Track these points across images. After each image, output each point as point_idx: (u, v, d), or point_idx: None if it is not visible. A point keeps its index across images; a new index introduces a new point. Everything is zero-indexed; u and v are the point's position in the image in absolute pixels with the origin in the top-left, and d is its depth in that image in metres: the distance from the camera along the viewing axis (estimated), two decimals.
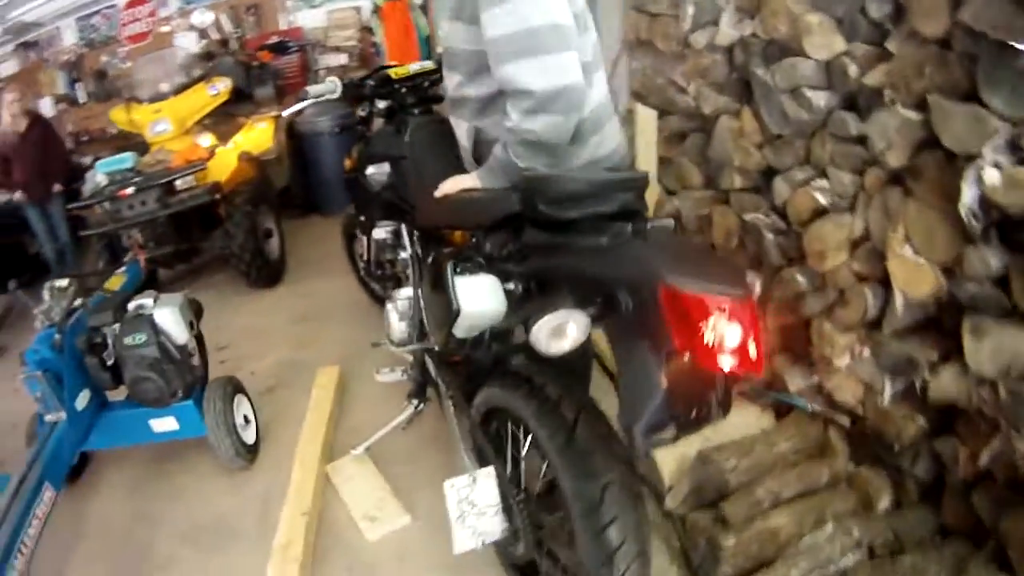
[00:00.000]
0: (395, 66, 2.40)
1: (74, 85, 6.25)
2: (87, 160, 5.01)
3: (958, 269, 1.49)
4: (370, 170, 2.35)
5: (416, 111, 2.27)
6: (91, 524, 2.45)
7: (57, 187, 4.58)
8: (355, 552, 2.11)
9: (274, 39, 5.56)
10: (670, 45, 2.47)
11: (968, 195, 1.37)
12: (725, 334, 1.09)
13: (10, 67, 6.36)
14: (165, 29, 5.84)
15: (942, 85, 1.47)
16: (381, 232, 2.35)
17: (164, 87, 4.26)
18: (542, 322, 1.26)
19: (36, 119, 4.74)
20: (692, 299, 1.10)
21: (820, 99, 1.82)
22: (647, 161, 2.70)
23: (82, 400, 2.35)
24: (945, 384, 1.59)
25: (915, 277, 1.60)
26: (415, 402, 2.33)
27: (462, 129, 1.74)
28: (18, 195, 4.54)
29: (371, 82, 2.31)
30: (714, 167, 2.37)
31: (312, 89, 2.22)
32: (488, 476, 1.55)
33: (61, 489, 2.14)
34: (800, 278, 1.98)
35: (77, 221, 4.28)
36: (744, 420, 2.07)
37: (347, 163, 2.85)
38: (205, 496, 2.47)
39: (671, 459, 1.98)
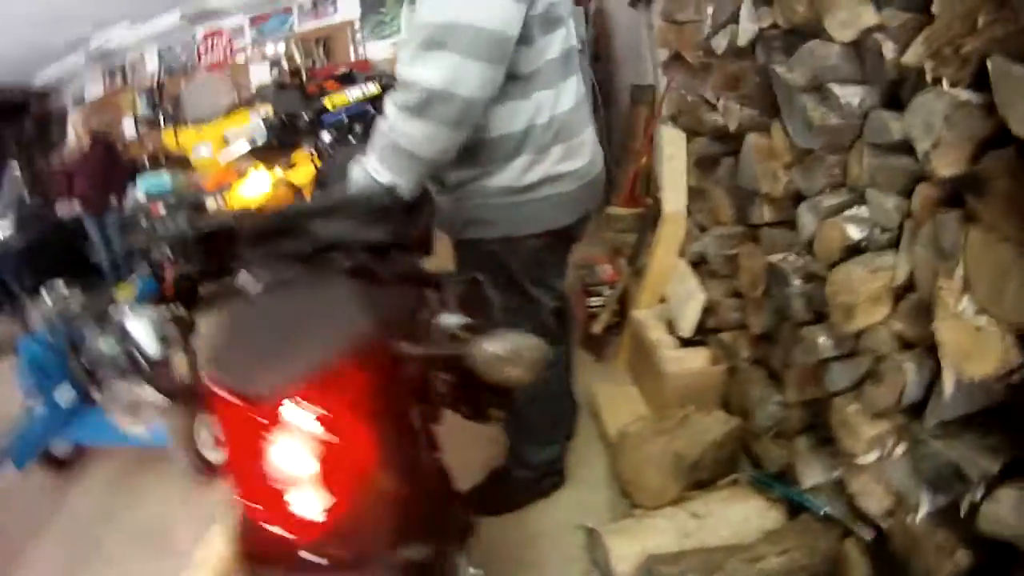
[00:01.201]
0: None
1: (155, 109, 6.63)
2: None
3: None
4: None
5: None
6: (61, 513, 2.47)
7: (114, 202, 4.88)
8: None
9: (342, 70, 5.61)
10: (696, 55, 2.07)
11: None
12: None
13: (96, 90, 6.93)
14: (240, 60, 6.07)
15: (1006, 40, 0.97)
16: None
17: (208, 112, 4.32)
18: None
19: (99, 139, 5.11)
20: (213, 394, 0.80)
21: (851, 96, 1.36)
22: (675, 191, 2.27)
23: (63, 394, 2.47)
24: (1004, 512, 1.04)
25: (975, 346, 1.07)
26: None
27: None
28: (77, 206, 4.88)
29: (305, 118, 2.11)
30: (744, 197, 1.90)
31: (229, 151, 2.08)
32: None
33: (23, 468, 2.36)
34: (822, 340, 1.46)
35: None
36: (744, 515, 1.56)
37: None
38: (165, 502, 2.41)
39: (629, 552, 1.50)
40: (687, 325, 2.11)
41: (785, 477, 1.65)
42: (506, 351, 0.90)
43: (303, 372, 0.76)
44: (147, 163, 5.90)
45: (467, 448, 2.21)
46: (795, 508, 1.58)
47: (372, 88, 2.22)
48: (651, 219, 2.58)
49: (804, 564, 1.40)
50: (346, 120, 2.13)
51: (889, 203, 1.31)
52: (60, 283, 2.65)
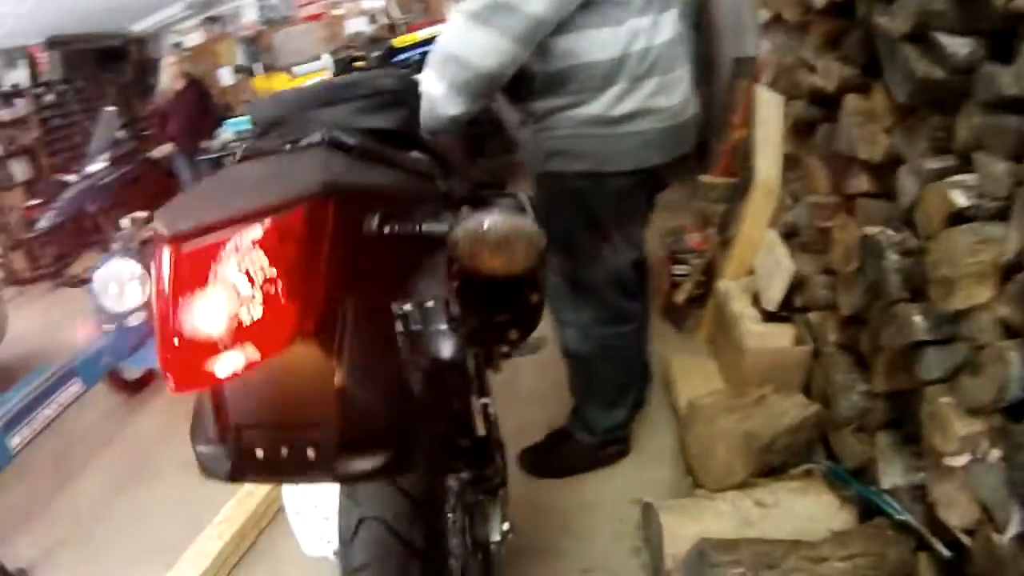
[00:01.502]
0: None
1: (252, 58, 6.85)
2: None
3: None
4: None
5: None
6: (124, 433, 2.73)
7: (204, 142, 5.13)
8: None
9: (439, 26, 5.60)
10: (796, 12, 1.90)
11: None
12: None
13: (195, 38, 7.21)
14: (338, 12, 6.14)
15: None
16: None
17: (298, 59, 4.42)
18: None
19: (192, 82, 5.35)
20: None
21: (958, 47, 1.19)
22: (769, 157, 2.13)
23: (135, 319, 2.58)
24: None
25: None
26: None
27: None
28: (170, 146, 5.15)
29: (373, 54, 2.07)
30: (841, 165, 1.75)
31: (299, 69, 2.04)
32: None
33: (92, 386, 2.47)
34: (917, 320, 1.32)
35: None
36: (813, 511, 1.45)
37: None
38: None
39: (685, 534, 1.43)
40: (773, 298, 1.97)
41: (862, 474, 1.53)
42: (487, 229, 0.79)
43: (233, 213, 0.66)
44: (237, 108, 6.18)
45: (530, 404, 2.23)
46: (868, 511, 1.46)
47: (441, 27, 2.18)
48: (743, 188, 2.43)
49: (869, 574, 1.27)
50: (416, 59, 2.08)
51: (999, 168, 1.15)
52: (144, 215, 2.78)
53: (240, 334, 0.63)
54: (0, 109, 6.39)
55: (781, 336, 1.89)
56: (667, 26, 1.44)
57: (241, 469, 0.73)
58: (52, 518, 2.33)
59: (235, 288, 0.63)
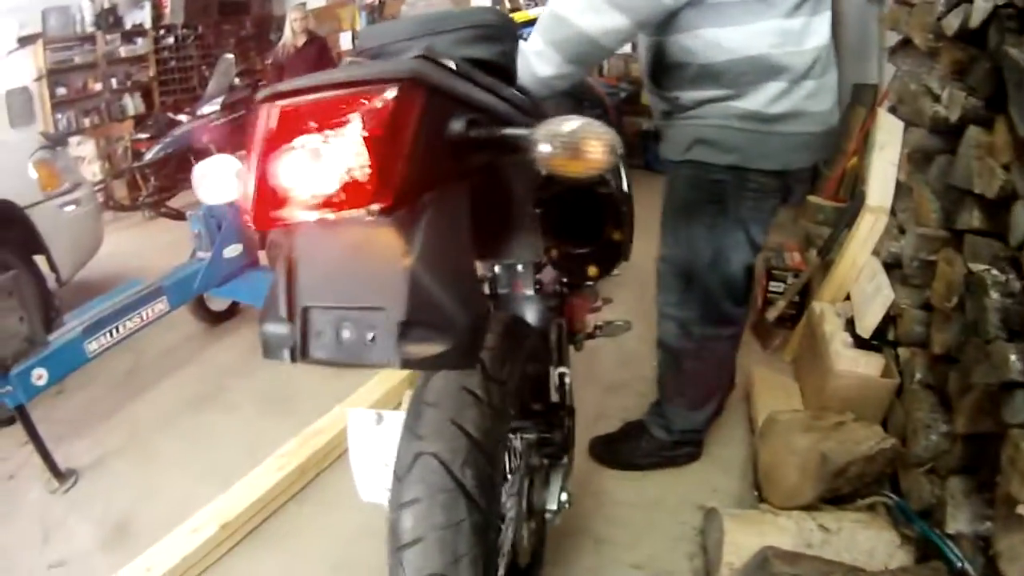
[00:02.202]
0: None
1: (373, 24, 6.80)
2: None
3: None
4: None
5: None
6: (201, 360, 2.85)
7: None
8: None
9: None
10: (926, 38, 1.86)
11: None
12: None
13: (318, 1, 7.28)
14: None
15: None
16: None
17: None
18: None
19: (314, 38, 5.40)
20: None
21: None
22: (882, 182, 2.10)
23: (231, 251, 2.73)
24: None
25: None
26: None
27: (643, 45, 1.62)
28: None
29: None
30: (953, 200, 1.71)
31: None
32: (397, 422, 1.16)
33: (176, 307, 2.59)
34: (1013, 359, 1.29)
35: None
36: (873, 544, 1.45)
37: None
38: (299, 374, 2.53)
39: (746, 544, 1.46)
40: (869, 325, 1.94)
41: (928, 516, 1.50)
42: (565, 130, 0.76)
43: (329, 82, 0.70)
44: None
45: (609, 392, 2.29)
46: (927, 554, 1.44)
47: None
48: (851, 214, 2.39)
49: None
50: (526, 36, 2.13)
51: None
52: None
53: (320, 188, 0.66)
54: (121, 45, 6.94)
55: (869, 364, 1.87)
56: (822, 29, 1.44)
57: (304, 349, 0.76)
58: (113, 427, 2.45)
59: (321, 146, 0.66)
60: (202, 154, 4.78)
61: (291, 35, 5.37)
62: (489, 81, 0.98)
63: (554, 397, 1.38)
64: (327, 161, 0.66)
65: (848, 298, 2.21)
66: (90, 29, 6.72)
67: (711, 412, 1.91)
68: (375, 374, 2.43)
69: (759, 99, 1.43)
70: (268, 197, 0.69)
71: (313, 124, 0.66)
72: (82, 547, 1.98)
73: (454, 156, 0.78)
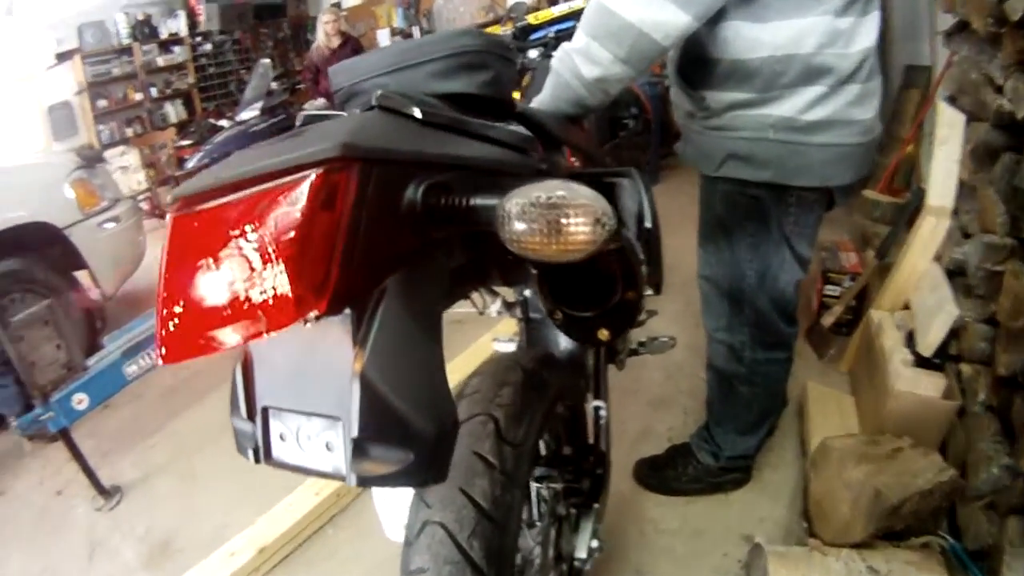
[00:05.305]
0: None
1: (410, 22, 6.91)
2: None
3: None
4: None
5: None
6: (221, 379, 2.76)
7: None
8: None
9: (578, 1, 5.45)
10: (986, 22, 1.69)
11: None
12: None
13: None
14: None
15: None
16: None
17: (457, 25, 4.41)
18: None
19: (348, 39, 5.43)
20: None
21: None
22: (944, 182, 1.94)
23: None
24: None
25: None
26: None
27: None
28: (321, 101, 5.13)
29: (509, 35, 2.03)
30: (1022, 204, 1.56)
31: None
32: None
33: None
34: None
35: None
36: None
37: None
38: None
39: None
40: (931, 343, 1.79)
41: (984, 558, 1.38)
42: (538, 203, 0.63)
43: (240, 177, 0.60)
44: None
45: (656, 409, 2.21)
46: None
47: (579, 1, 2.08)
48: (910, 211, 2.23)
49: None
50: (552, 36, 1.98)
51: None
52: None
53: (235, 307, 0.57)
54: (158, 55, 7.17)
55: (930, 385, 1.73)
56: (872, 28, 1.26)
57: (268, 451, 0.71)
58: (156, 443, 2.50)
59: (232, 257, 0.57)
60: None
61: (324, 38, 5.42)
62: (469, 122, 0.87)
63: (587, 437, 1.30)
64: (240, 275, 0.56)
65: (907, 306, 2.05)
66: (126, 41, 6.93)
67: (763, 436, 1.80)
68: None
69: (794, 104, 1.28)
70: (181, 321, 0.59)
71: (219, 234, 0.57)
72: (126, 565, 2.04)
73: (414, 231, 0.69)
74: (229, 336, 0.57)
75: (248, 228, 0.56)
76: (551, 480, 1.19)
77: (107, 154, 6.10)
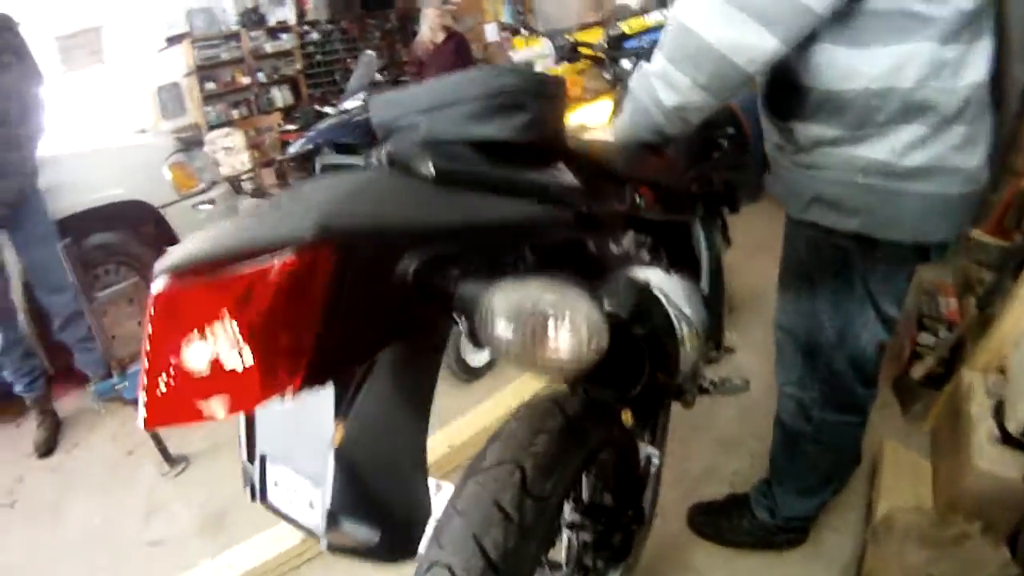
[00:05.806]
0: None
1: (517, 17, 6.94)
2: None
3: None
4: None
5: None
6: None
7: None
8: None
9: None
10: None
11: None
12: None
13: None
14: None
15: None
16: None
17: (560, 24, 4.31)
18: None
19: (453, 35, 5.41)
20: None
21: None
22: None
23: None
24: None
25: None
26: None
27: None
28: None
29: (602, 42, 1.94)
30: None
31: (518, 55, 2.01)
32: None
33: None
34: None
35: None
36: None
37: None
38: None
39: None
40: (1021, 419, 1.61)
41: None
42: (513, 311, 0.59)
43: (214, 256, 0.60)
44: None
45: (723, 449, 2.13)
46: None
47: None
48: (1018, 259, 2.01)
49: None
50: (647, 46, 1.91)
51: None
52: None
53: (210, 383, 0.57)
54: (266, 41, 7.43)
55: (1014, 466, 1.56)
56: (981, 61, 1.10)
57: (263, 494, 0.74)
58: (227, 424, 2.63)
59: (206, 336, 0.57)
60: (344, 149, 5.07)
61: (428, 32, 5.42)
62: (493, 176, 0.82)
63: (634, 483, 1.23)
64: (213, 354, 0.57)
65: (1003, 370, 1.86)
66: (234, 27, 7.25)
67: (825, 498, 1.69)
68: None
69: (890, 146, 1.12)
70: (165, 391, 0.59)
71: (195, 314, 0.57)
72: (180, 530, 2.15)
73: (407, 306, 0.65)
74: (207, 408, 0.58)
75: (220, 310, 0.56)
76: (582, 529, 1.15)
77: (213, 134, 6.43)
